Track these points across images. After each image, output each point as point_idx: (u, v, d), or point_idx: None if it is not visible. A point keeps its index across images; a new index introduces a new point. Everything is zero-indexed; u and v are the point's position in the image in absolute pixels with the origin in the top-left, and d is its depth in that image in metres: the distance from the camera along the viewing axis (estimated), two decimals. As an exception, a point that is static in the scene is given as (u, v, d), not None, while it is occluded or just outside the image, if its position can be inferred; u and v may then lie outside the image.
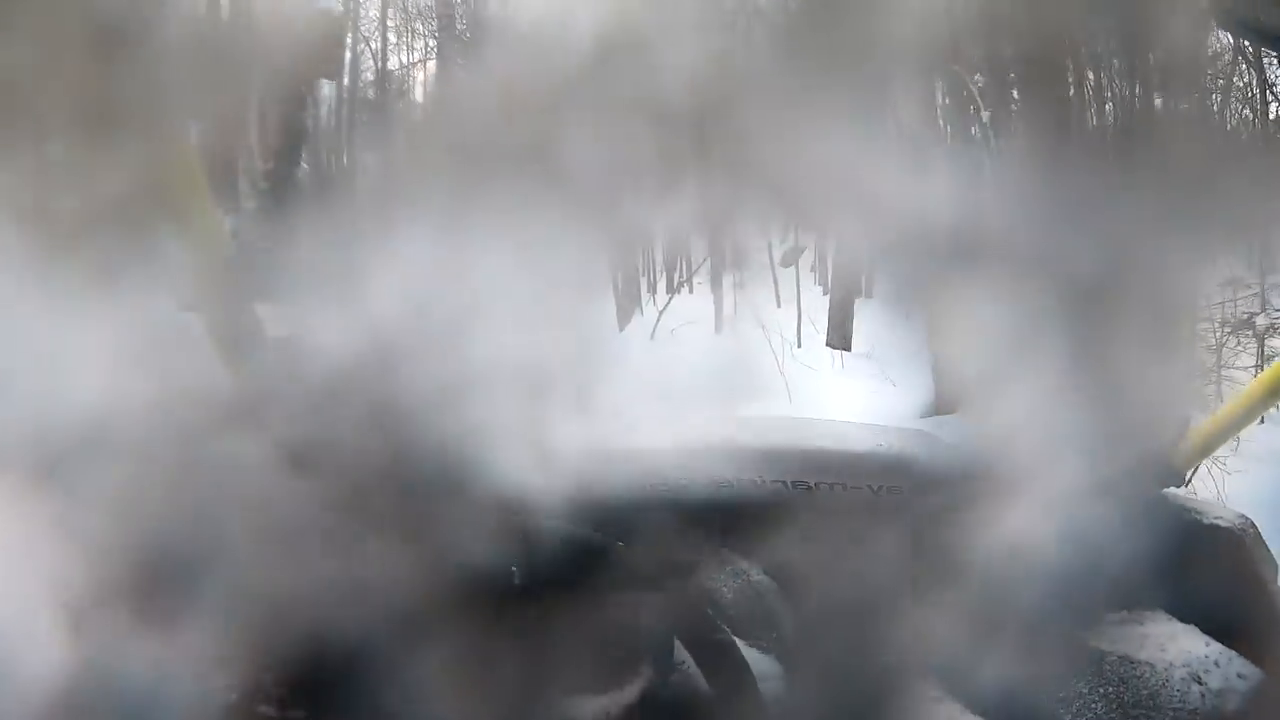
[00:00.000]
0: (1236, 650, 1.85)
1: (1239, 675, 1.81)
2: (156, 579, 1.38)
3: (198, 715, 1.36)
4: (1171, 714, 1.69)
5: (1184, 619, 1.87)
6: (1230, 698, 1.77)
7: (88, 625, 1.35)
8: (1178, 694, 1.72)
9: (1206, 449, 1.92)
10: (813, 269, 7.71)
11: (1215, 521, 1.94)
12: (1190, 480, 2.00)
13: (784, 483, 1.81)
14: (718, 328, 6.62)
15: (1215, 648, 1.83)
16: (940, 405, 4.64)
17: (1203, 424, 1.90)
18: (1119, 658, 1.70)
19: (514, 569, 1.52)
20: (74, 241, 1.47)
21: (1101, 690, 1.67)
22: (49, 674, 1.32)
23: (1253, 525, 1.98)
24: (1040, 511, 1.76)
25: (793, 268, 7.03)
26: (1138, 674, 1.69)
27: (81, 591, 1.35)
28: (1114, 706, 1.67)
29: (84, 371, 1.41)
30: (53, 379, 1.42)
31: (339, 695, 1.44)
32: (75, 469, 1.39)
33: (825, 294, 7.20)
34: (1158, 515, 1.95)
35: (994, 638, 1.62)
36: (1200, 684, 1.75)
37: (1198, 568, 1.90)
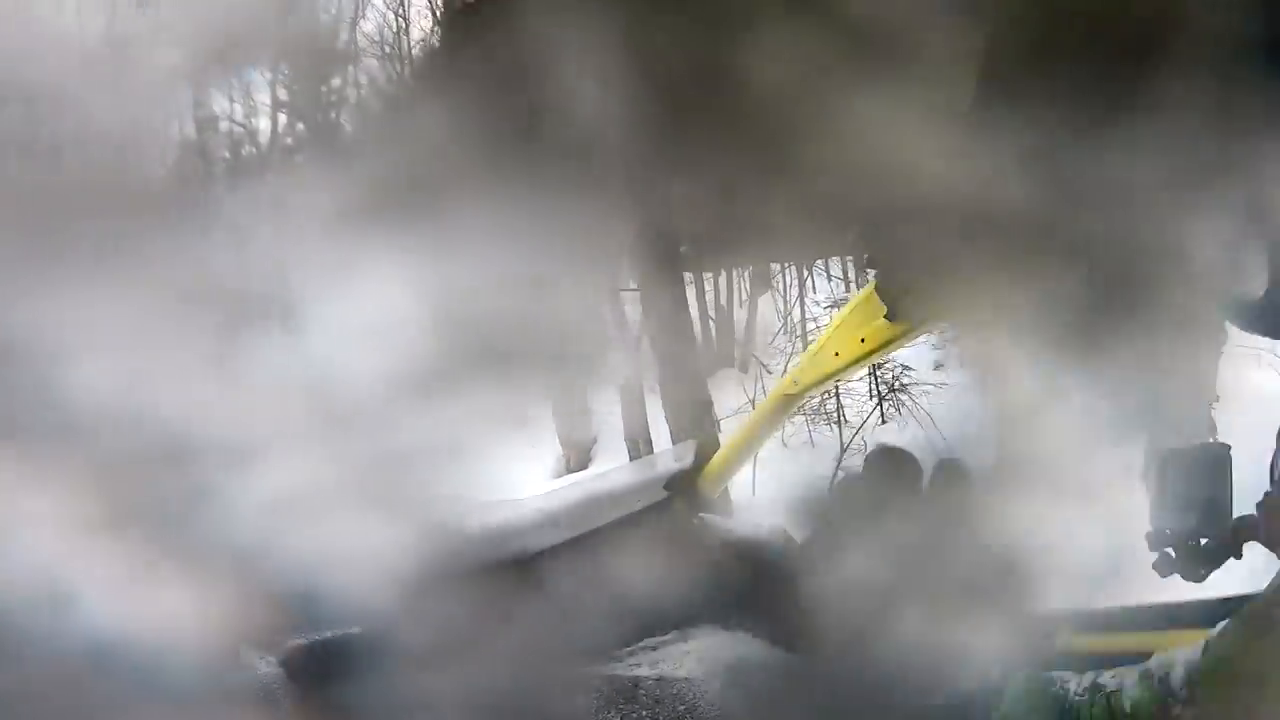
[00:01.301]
0: (785, 645, 2.00)
1: (781, 670, 1.94)
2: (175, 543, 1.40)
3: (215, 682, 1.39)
4: (716, 715, 1.78)
5: (733, 629, 2.00)
6: (770, 691, 1.90)
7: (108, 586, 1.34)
8: (716, 703, 1.81)
9: (727, 472, 2.08)
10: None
11: (750, 534, 2.10)
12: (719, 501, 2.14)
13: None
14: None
15: (757, 648, 1.96)
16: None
17: (721, 448, 2.06)
18: (655, 680, 1.76)
19: None
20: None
21: (635, 715, 1.71)
22: (71, 633, 1.31)
23: (785, 532, 2.16)
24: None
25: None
26: (674, 691, 1.75)
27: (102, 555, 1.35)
28: None
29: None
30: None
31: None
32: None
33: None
34: (696, 539, 2.09)
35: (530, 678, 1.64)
36: (737, 686, 1.86)
37: (740, 579, 2.03)
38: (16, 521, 1.32)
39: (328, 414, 1.63)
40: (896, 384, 7.87)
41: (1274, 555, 1.65)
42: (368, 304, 1.68)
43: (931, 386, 8.78)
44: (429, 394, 1.71)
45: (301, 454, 1.55)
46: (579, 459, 8.17)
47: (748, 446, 2.08)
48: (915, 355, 9.52)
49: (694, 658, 1.87)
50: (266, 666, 1.48)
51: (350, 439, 1.64)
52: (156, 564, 1.39)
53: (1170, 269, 1.45)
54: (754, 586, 2.06)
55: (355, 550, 1.54)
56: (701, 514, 2.13)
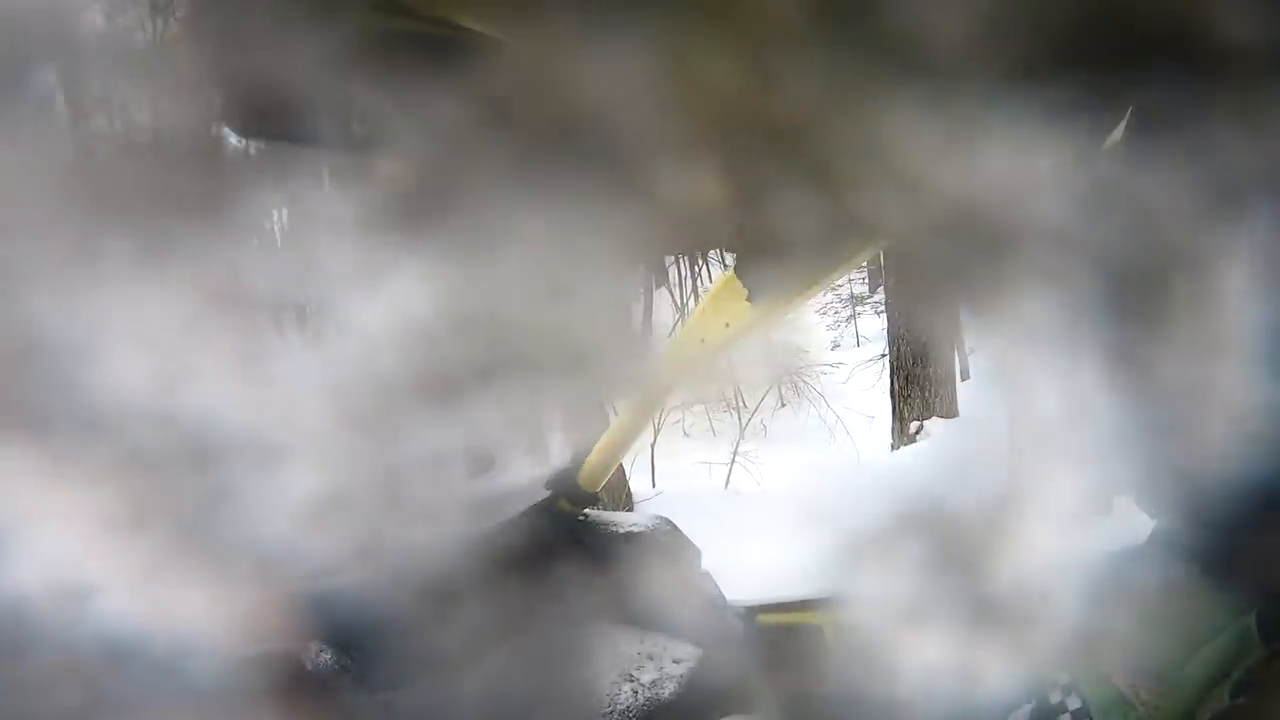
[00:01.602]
0: (676, 637, 2.00)
1: (675, 661, 1.94)
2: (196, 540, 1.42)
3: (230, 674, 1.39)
4: (604, 714, 1.77)
5: (622, 623, 1.99)
6: (666, 685, 1.90)
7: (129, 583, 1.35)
8: (607, 697, 1.80)
9: (606, 466, 2.07)
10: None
11: (632, 529, 2.10)
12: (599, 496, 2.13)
13: None
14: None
15: (650, 642, 1.95)
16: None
17: (599, 442, 2.05)
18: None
19: None
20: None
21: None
22: (90, 628, 1.31)
23: (668, 523, 2.16)
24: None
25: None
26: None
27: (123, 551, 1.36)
28: None
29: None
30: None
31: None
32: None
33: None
34: (578, 535, 2.08)
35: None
36: (632, 681, 1.86)
37: (627, 573, 2.02)
38: (41, 516, 1.32)
39: (351, 417, 1.61)
40: (793, 367, 7.99)
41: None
42: (392, 308, 1.68)
43: (829, 367, 8.96)
44: (451, 399, 1.69)
45: (326, 456, 1.55)
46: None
47: (623, 441, 2.07)
48: (811, 338, 9.71)
49: (579, 657, 1.87)
50: (285, 667, 1.53)
51: (374, 443, 1.64)
52: (178, 562, 1.39)
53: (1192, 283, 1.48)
54: (641, 579, 2.06)
55: (374, 552, 1.59)
56: (584, 511, 2.12)
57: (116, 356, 1.39)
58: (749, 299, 1.74)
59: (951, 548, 1.90)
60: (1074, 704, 1.58)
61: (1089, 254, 1.47)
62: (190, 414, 1.45)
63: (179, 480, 1.44)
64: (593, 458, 2.03)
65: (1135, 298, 1.47)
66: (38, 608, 1.30)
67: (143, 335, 1.42)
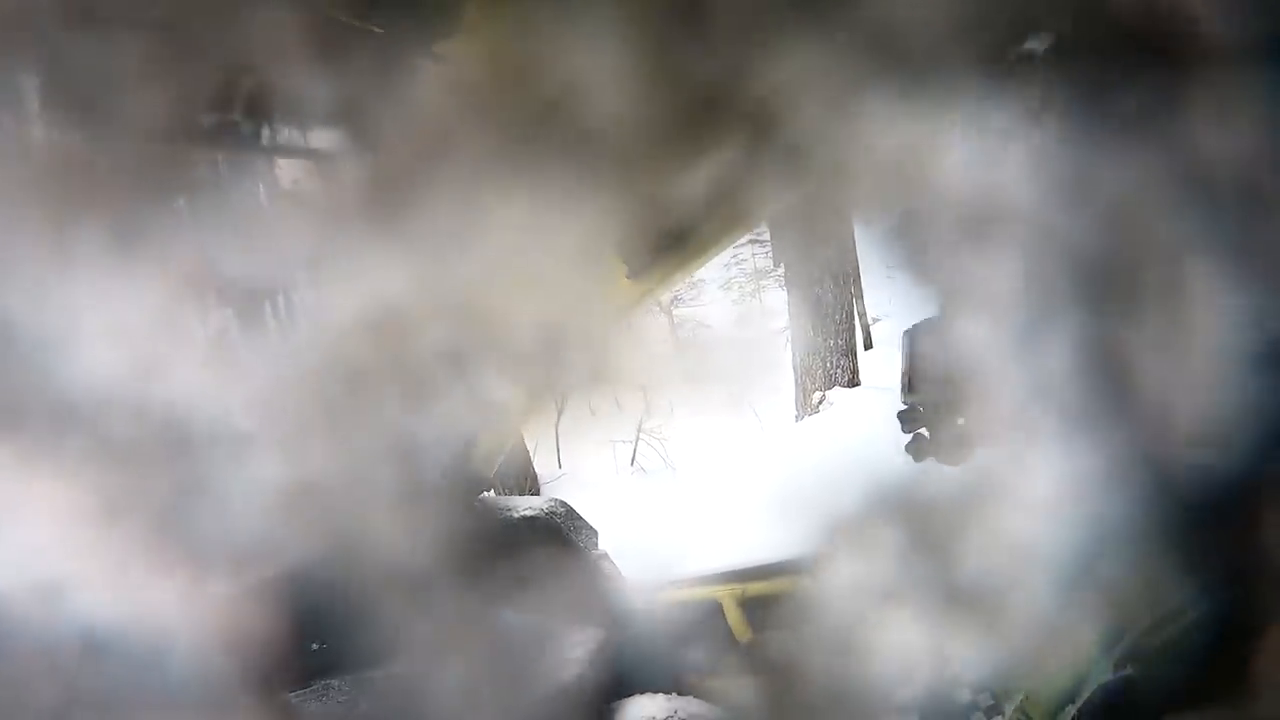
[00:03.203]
0: (577, 620, 1.99)
1: (574, 645, 1.94)
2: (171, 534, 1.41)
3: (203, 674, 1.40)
4: (502, 701, 1.75)
5: (522, 607, 1.97)
6: (565, 668, 1.89)
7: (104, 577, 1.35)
8: (505, 683, 1.78)
9: (497, 451, 2.04)
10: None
11: (526, 512, 2.07)
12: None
13: None
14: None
15: (548, 626, 1.94)
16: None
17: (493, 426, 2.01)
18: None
19: None
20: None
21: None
22: (59, 634, 1.31)
23: (565, 505, 2.14)
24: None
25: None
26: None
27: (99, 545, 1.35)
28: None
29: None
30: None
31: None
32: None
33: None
34: (476, 519, 2.05)
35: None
36: (531, 666, 1.84)
37: (522, 556, 2.00)
38: (13, 509, 1.32)
39: (325, 405, 1.63)
40: (698, 342, 8.03)
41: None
42: (366, 296, 1.65)
43: (734, 341, 9.02)
44: (428, 388, 1.72)
45: (295, 445, 1.57)
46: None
47: (512, 424, 2.04)
48: (716, 313, 9.77)
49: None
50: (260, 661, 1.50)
51: (348, 430, 1.64)
52: (152, 555, 1.40)
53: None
54: (536, 561, 2.04)
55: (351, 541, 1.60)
56: (480, 495, 2.09)
57: (88, 347, 1.38)
58: (628, 277, 1.75)
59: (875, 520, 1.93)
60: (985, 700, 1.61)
61: (1060, 242, 1.51)
62: (161, 404, 1.44)
63: (152, 472, 1.43)
64: (484, 442, 1.99)
65: (1108, 286, 1.49)
66: (11, 604, 1.28)
67: (113, 326, 1.41)
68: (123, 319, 1.42)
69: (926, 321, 1.72)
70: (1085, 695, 1.54)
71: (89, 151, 1.48)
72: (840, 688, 1.78)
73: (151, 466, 1.44)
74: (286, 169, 1.71)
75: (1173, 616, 1.52)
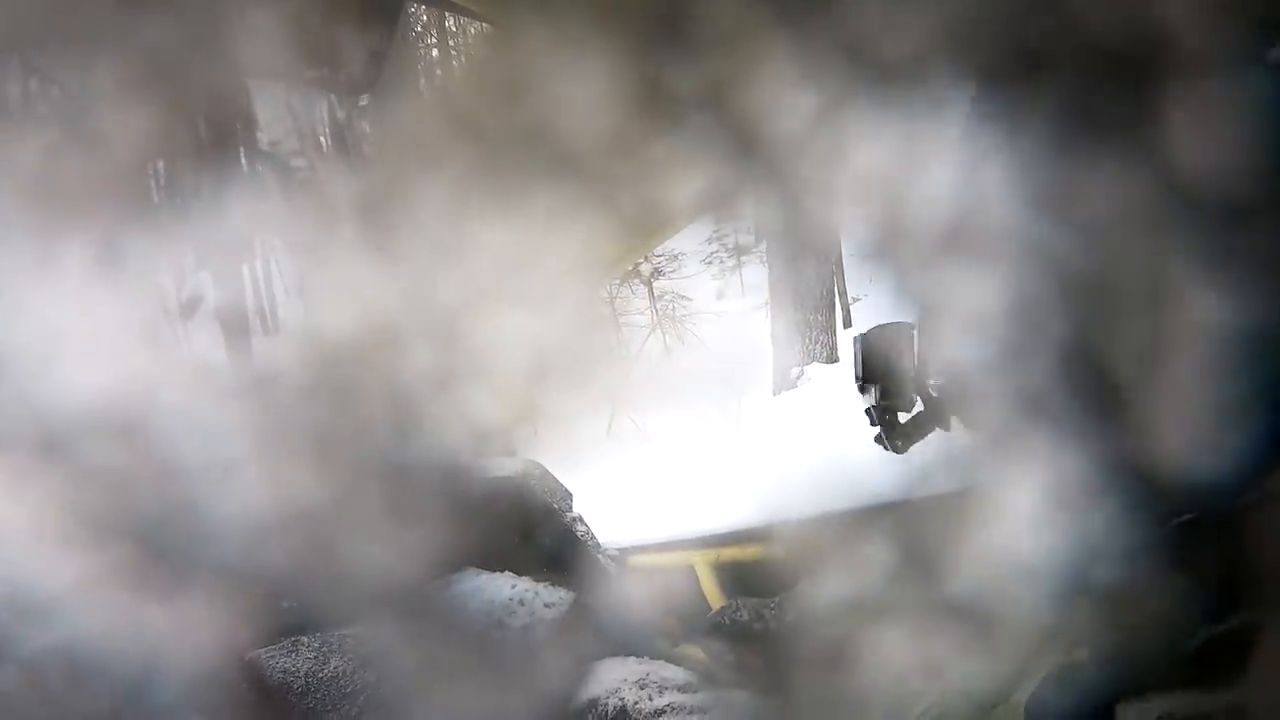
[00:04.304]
0: (553, 579, 1.98)
1: (545, 605, 1.92)
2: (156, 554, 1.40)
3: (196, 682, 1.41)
4: (472, 664, 1.74)
5: (497, 568, 1.96)
6: (537, 629, 1.88)
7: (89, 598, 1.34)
8: (476, 644, 1.77)
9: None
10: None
11: (501, 472, 2.06)
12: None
13: None
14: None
15: (521, 586, 1.92)
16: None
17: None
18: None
19: None
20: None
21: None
22: (51, 644, 1.31)
23: (539, 467, 2.13)
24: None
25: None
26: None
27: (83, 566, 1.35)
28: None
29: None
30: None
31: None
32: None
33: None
34: (455, 481, 2.03)
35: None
36: (502, 627, 1.83)
37: (496, 518, 1.99)
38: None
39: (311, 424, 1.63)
40: (676, 314, 8.01)
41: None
42: (352, 314, 1.65)
43: (713, 315, 9.02)
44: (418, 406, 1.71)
45: (290, 465, 1.56)
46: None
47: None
48: (696, 286, 9.75)
49: (451, 605, 1.84)
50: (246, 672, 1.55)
51: (338, 449, 1.65)
52: (139, 575, 1.40)
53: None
54: (510, 523, 2.03)
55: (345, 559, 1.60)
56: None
57: (73, 366, 1.38)
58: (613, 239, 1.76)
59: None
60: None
61: (1042, 252, 1.51)
62: (148, 426, 1.44)
63: (139, 492, 1.43)
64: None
65: (1091, 296, 1.50)
66: None
67: (98, 344, 1.41)
68: (109, 337, 1.42)
69: (887, 326, 1.85)
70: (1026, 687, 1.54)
71: (75, 165, 1.47)
72: (813, 657, 1.79)
73: (137, 488, 1.44)
74: (275, 185, 1.70)
75: (1133, 611, 1.53)
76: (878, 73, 1.51)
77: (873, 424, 1.87)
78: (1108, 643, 1.52)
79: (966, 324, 1.61)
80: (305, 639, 1.69)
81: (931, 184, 1.56)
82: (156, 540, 1.44)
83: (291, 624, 1.70)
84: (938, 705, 1.54)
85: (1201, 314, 1.46)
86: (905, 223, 1.61)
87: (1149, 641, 1.49)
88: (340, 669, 1.67)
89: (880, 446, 1.87)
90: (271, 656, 1.66)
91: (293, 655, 1.67)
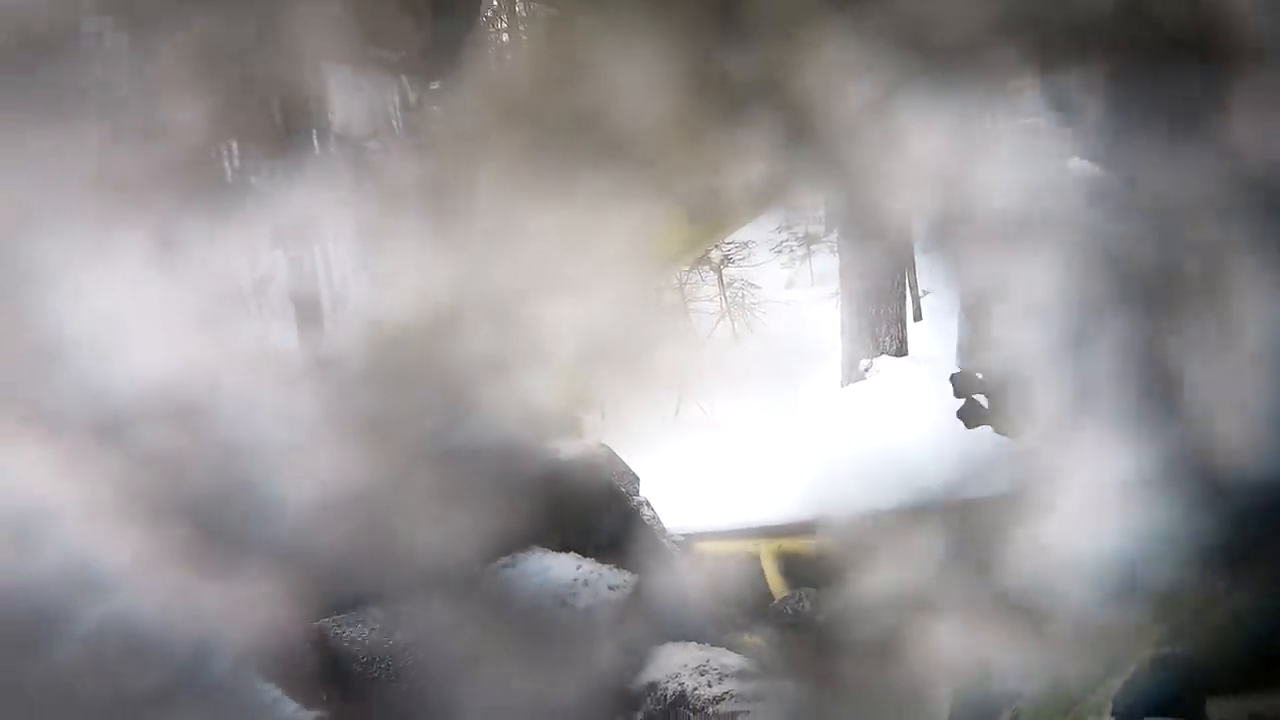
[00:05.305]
0: (614, 563, 1.98)
1: (610, 588, 1.93)
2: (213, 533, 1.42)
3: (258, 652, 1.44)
4: (535, 643, 1.75)
5: (562, 548, 1.97)
6: (600, 611, 1.88)
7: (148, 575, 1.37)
8: (539, 624, 1.79)
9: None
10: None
11: (567, 454, 2.06)
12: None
13: None
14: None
15: (586, 568, 1.93)
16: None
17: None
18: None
19: None
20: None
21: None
22: (107, 621, 1.33)
23: (606, 449, 2.13)
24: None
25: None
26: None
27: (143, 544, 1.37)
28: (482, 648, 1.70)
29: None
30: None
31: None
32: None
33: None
34: (523, 462, 2.04)
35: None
36: (567, 606, 1.84)
37: (566, 499, 2.00)
38: (59, 511, 1.34)
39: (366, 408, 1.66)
40: (745, 302, 7.98)
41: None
42: (416, 298, 1.68)
43: (782, 305, 8.95)
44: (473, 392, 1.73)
45: (350, 447, 1.59)
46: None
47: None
48: (765, 274, 9.69)
49: (519, 583, 1.85)
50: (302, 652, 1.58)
51: (399, 431, 1.67)
52: (195, 556, 1.42)
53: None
54: (579, 504, 2.04)
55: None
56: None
57: (135, 350, 1.42)
58: (689, 220, 1.74)
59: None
60: None
61: (1105, 245, 1.47)
62: (206, 409, 1.47)
63: (200, 473, 1.46)
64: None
65: (1153, 289, 1.48)
66: (58, 602, 1.32)
67: (159, 330, 1.44)
68: (179, 320, 1.46)
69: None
70: (1121, 677, 1.51)
71: (147, 150, 1.50)
72: (871, 650, 1.77)
73: (198, 469, 1.47)
74: (347, 168, 1.71)
75: (1220, 610, 1.48)
76: (939, 60, 1.46)
77: (966, 393, 1.76)
78: (1197, 641, 1.47)
79: (1021, 313, 1.56)
80: (372, 610, 1.72)
81: (992, 172, 1.51)
82: (216, 520, 1.47)
83: (360, 594, 1.71)
84: (1029, 702, 1.51)
85: (1265, 306, 1.41)
86: (963, 210, 1.57)
87: (1237, 640, 1.45)
88: (404, 641, 1.70)
89: (964, 423, 1.77)
90: (338, 625, 1.70)
91: (359, 626, 1.70)
